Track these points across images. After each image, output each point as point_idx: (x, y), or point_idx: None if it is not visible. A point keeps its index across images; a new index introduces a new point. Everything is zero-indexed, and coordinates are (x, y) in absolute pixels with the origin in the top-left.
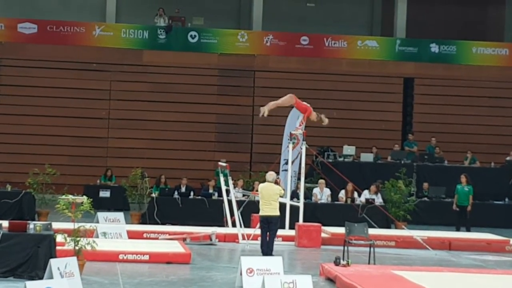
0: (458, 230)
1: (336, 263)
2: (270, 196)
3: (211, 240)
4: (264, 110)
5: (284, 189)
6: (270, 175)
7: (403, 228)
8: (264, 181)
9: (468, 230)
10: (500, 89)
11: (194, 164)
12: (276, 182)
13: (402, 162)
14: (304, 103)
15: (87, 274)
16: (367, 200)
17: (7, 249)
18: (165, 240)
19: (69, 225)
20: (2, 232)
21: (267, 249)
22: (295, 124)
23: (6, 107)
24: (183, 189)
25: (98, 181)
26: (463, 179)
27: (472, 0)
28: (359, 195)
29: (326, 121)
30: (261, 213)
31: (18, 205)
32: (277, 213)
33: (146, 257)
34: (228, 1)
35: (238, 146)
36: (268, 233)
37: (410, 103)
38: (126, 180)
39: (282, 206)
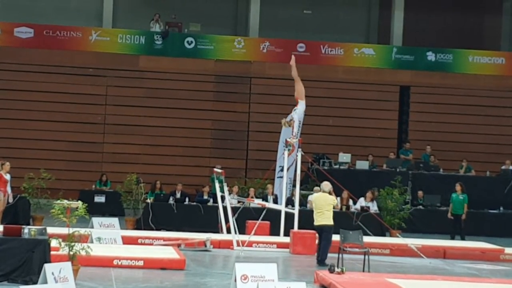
0: (452, 238)
1: (331, 270)
2: (323, 206)
3: (205, 246)
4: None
5: (336, 200)
6: (326, 185)
7: (398, 236)
8: (263, 189)
9: (462, 238)
10: (496, 98)
11: (189, 170)
12: (330, 193)
13: (398, 170)
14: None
15: (81, 279)
16: (362, 207)
17: (2, 254)
18: (160, 246)
19: (64, 230)
20: None
21: (319, 257)
22: (290, 131)
23: (1, 111)
24: (178, 195)
25: (93, 186)
26: (458, 187)
27: (469, 8)
28: (354, 203)
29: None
30: (315, 222)
31: (13, 209)
32: (331, 222)
33: (141, 263)
34: (225, 7)
35: (233, 152)
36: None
37: (406, 111)
38: (121, 186)
39: (278, 213)
